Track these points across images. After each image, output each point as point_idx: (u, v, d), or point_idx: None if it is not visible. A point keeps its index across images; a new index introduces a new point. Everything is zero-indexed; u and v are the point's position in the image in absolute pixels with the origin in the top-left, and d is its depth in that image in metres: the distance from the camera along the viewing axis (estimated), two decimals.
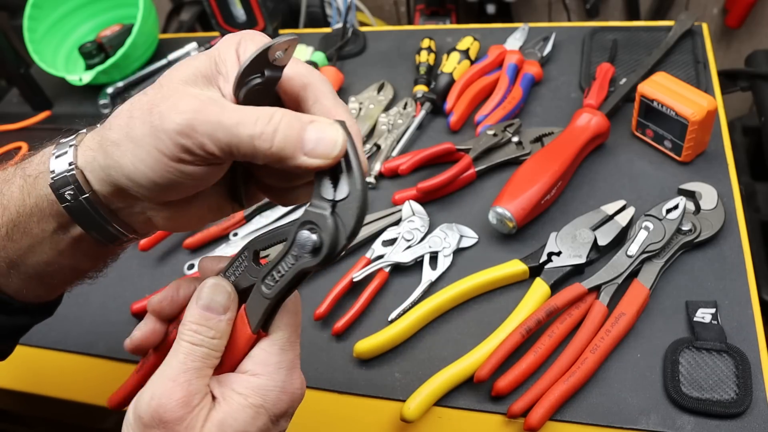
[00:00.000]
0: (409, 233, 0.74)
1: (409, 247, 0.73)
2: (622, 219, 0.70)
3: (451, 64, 0.93)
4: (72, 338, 0.74)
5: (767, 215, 0.96)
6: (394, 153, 0.86)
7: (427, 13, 1.44)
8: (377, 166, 0.84)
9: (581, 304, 0.63)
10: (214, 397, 0.37)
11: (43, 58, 1.06)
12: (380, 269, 0.72)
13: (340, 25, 1.08)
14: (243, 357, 0.39)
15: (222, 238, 0.81)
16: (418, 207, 0.77)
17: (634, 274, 0.65)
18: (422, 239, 0.74)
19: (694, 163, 0.77)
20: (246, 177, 0.43)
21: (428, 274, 0.71)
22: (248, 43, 0.37)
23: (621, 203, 0.71)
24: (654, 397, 0.59)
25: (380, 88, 0.95)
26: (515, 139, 0.82)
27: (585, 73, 0.91)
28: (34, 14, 1.07)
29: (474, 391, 0.62)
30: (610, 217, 0.70)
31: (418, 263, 0.73)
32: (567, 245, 0.69)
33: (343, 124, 0.35)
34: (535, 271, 0.68)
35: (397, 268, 0.73)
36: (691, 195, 0.71)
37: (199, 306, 0.38)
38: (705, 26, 0.94)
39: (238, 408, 0.36)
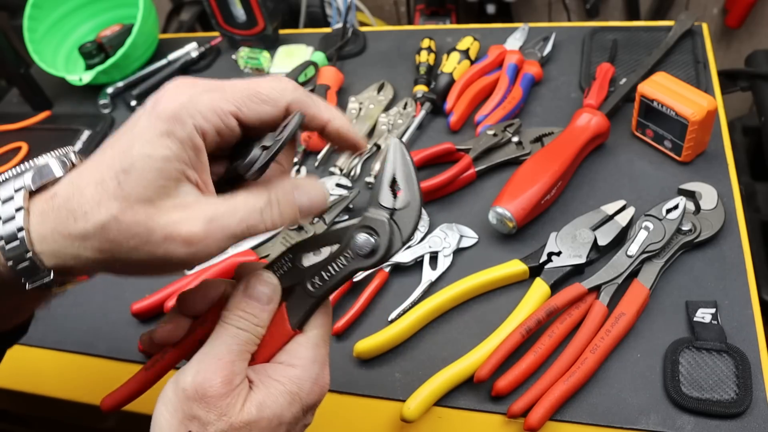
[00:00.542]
0: None
1: (409, 247, 0.73)
2: (622, 219, 0.70)
3: (451, 64, 0.93)
4: (72, 338, 0.74)
5: (767, 215, 0.96)
6: None
7: (427, 13, 1.45)
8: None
9: (581, 304, 0.63)
10: (250, 383, 0.39)
11: (43, 58, 1.06)
12: (380, 269, 0.72)
13: (340, 25, 1.08)
14: (277, 351, 0.41)
15: None
16: None
17: (634, 274, 0.65)
18: (422, 239, 0.74)
19: (694, 163, 0.77)
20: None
21: (428, 274, 0.71)
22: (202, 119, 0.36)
23: (621, 203, 0.71)
24: (654, 397, 0.59)
25: (380, 88, 0.95)
26: (515, 139, 0.82)
27: (585, 73, 0.91)
28: (34, 14, 1.07)
29: (474, 391, 0.62)
30: (610, 217, 0.70)
31: (418, 263, 0.73)
32: (567, 245, 0.69)
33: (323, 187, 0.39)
34: (535, 271, 0.68)
35: (397, 268, 0.73)
36: (691, 195, 0.71)
37: (247, 294, 0.40)
38: (705, 26, 0.94)
39: (276, 393, 0.38)
